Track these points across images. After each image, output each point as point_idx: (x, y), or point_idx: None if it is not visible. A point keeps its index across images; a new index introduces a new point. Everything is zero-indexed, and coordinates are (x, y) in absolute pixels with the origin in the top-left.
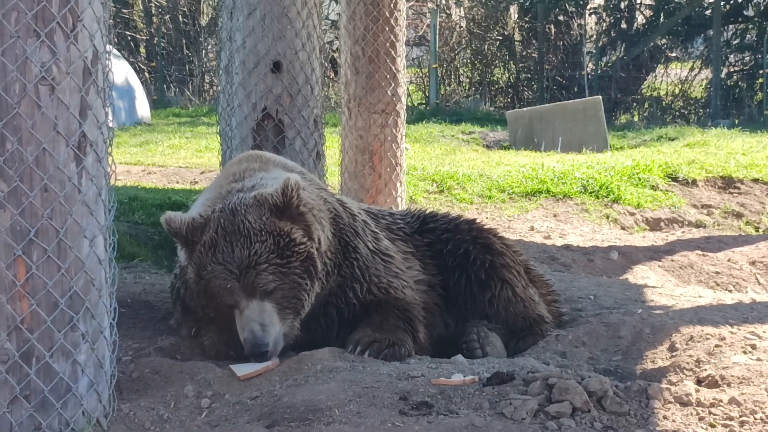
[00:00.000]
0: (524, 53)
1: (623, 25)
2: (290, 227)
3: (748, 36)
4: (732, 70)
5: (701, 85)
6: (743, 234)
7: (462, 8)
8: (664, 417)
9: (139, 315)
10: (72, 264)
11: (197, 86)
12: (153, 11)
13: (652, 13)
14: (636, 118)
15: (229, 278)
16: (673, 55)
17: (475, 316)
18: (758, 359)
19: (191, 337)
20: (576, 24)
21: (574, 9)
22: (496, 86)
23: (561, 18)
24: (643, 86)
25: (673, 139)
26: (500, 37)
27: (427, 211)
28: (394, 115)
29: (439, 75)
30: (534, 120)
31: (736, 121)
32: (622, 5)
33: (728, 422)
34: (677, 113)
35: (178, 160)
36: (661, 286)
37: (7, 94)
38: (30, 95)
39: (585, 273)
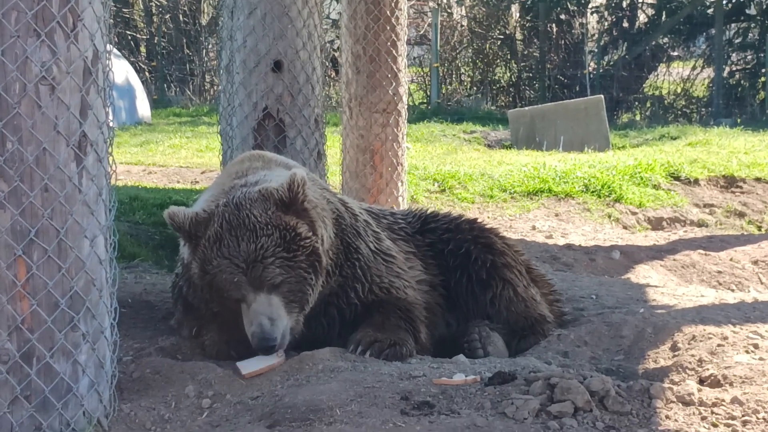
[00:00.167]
0: (526, 52)
1: (625, 24)
2: (296, 221)
3: (750, 35)
4: (734, 68)
5: (703, 84)
6: (746, 233)
7: (463, 7)
8: (667, 417)
9: (140, 315)
10: (73, 264)
11: (198, 86)
12: (153, 10)
13: (653, 12)
14: (638, 117)
15: (236, 272)
16: (675, 54)
17: (477, 315)
18: (761, 359)
19: (192, 337)
20: (578, 23)
21: (575, 8)
22: (498, 85)
23: (563, 17)
24: (645, 85)
25: (675, 138)
26: (502, 36)
27: (429, 211)
28: (395, 115)
29: (441, 74)
30: (536, 119)
31: (739, 120)
32: (624, 4)
33: (731, 422)
34: (679, 112)
35: (179, 159)
36: (663, 285)
37: (7, 93)
38: (30, 95)
39: (587, 272)
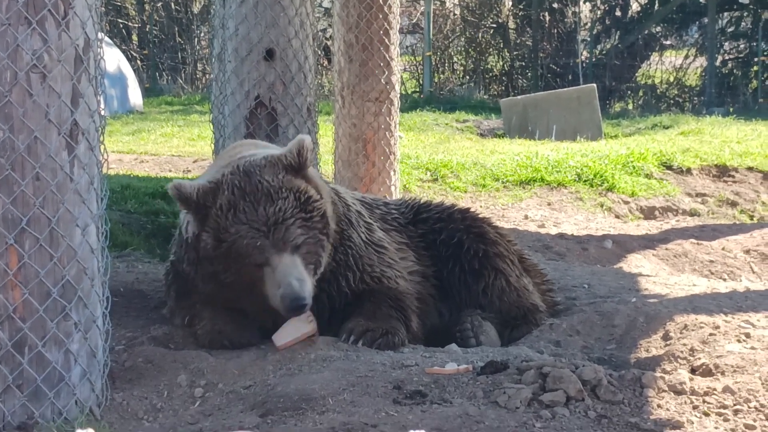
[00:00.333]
0: (518, 41)
1: (618, 13)
2: (305, 185)
3: (743, 24)
4: (727, 57)
5: (696, 73)
6: (738, 222)
7: None
8: (658, 405)
9: (132, 304)
10: (64, 253)
11: (190, 74)
12: None
13: (646, 1)
14: (630, 106)
15: (257, 236)
16: (668, 42)
17: (469, 305)
18: (752, 348)
19: (184, 326)
20: (570, 12)
21: None
22: (491, 74)
23: (555, 5)
24: (637, 74)
25: (667, 128)
26: (494, 25)
27: (421, 201)
28: (387, 104)
29: (433, 63)
30: (528, 108)
31: (731, 109)
32: None
33: (722, 410)
34: (672, 101)
35: (171, 148)
36: (656, 274)
37: None
38: (21, 83)
39: (579, 262)
